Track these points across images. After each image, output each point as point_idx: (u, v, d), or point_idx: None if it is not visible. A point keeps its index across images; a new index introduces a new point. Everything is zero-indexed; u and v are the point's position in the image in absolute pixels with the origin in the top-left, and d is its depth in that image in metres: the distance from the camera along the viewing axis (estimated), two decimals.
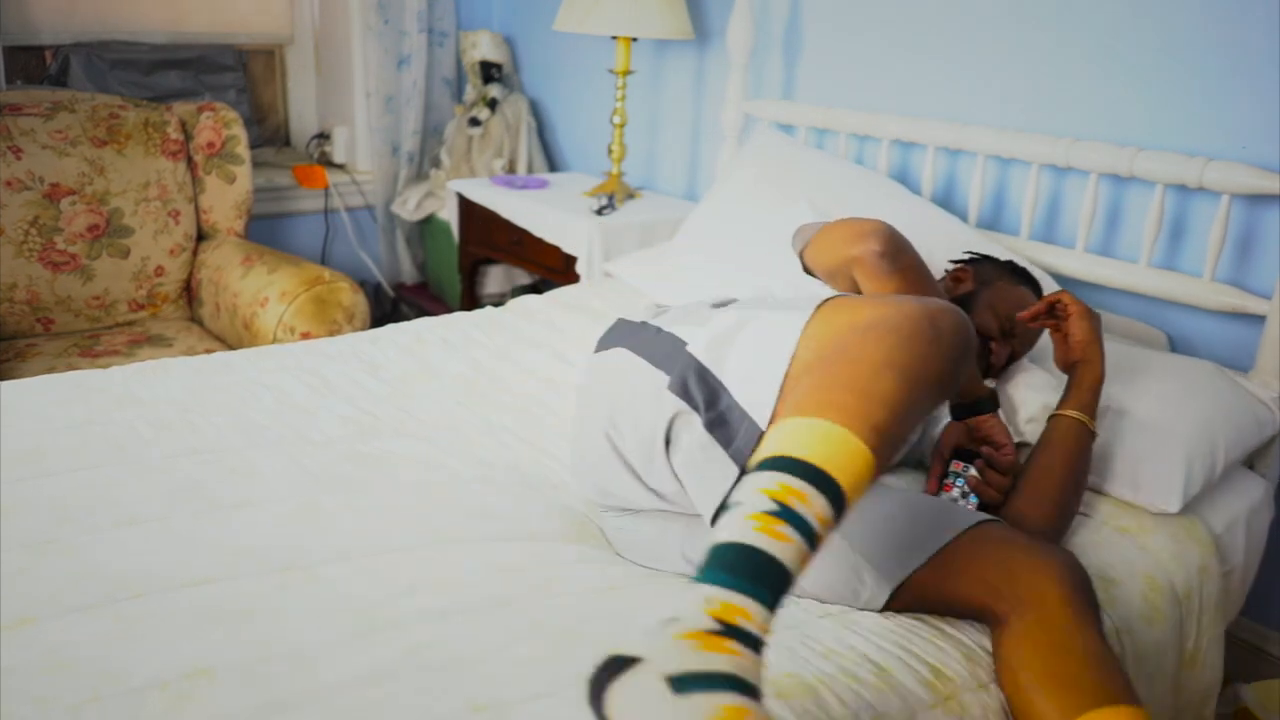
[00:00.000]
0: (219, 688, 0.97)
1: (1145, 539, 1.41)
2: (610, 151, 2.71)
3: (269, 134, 3.32)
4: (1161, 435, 1.48)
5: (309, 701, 0.95)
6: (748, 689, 0.71)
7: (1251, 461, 1.71)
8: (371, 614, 1.09)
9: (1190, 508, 1.50)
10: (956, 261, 1.65)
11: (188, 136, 2.58)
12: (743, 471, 0.90)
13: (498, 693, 0.97)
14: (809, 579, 1.13)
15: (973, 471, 1.35)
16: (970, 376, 1.40)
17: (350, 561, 1.20)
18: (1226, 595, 1.54)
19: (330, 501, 1.35)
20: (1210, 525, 1.50)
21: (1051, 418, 1.40)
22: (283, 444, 1.51)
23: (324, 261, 3.18)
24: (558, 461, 1.53)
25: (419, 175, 3.31)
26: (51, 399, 1.58)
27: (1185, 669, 1.41)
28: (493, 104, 3.14)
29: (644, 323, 1.32)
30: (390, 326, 2.06)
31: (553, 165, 3.31)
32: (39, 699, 0.94)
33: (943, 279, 1.58)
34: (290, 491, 1.37)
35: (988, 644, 1.12)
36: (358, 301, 2.39)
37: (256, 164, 2.98)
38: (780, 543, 0.77)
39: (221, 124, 2.61)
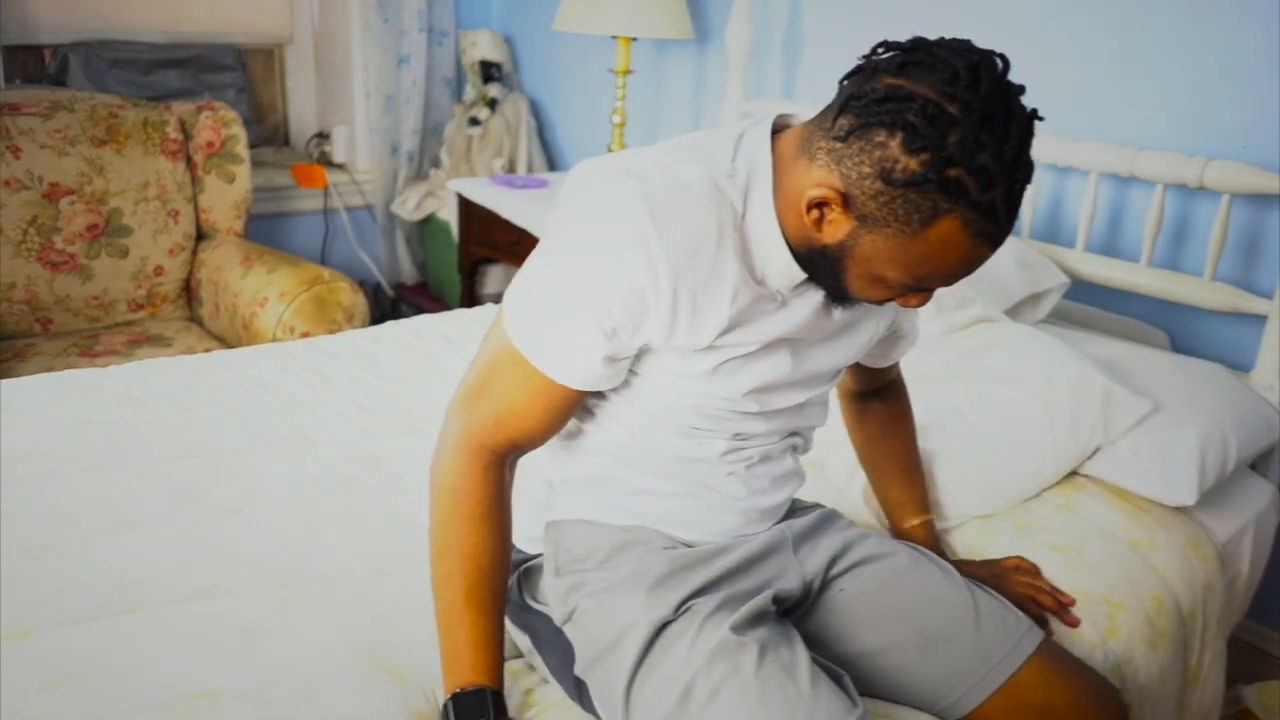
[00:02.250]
0: (224, 712, 0.96)
1: (1154, 556, 1.39)
2: (610, 151, 2.71)
3: (268, 133, 3.31)
4: (1175, 431, 1.47)
5: None
6: None
7: (1257, 464, 1.71)
8: (377, 650, 1.07)
9: (1197, 518, 1.50)
10: (830, 138, 0.83)
11: (187, 136, 2.57)
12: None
13: None
14: None
15: None
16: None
17: (353, 580, 1.19)
18: (1229, 606, 1.54)
19: (332, 507, 1.34)
20: (1216, 535, 1.50)
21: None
22: (283, 444, 1.50)
23: (323, 261, 3.18)
24: None
25: (419, 175, 3.31)
26: (50, 399, 1.58)
27: (1189, 688, 1.40)
28: (492, 103, 3.14)
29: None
30: (391, 324, 2.05)
31: (553, 165, 3.30)
32: (43, 716, 0.93)
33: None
34: (291, 495, 1.36)
35: None
36: (357, 301, 2.38)
37: (256, 164, 2.97)
38: None
39: (221, 123, 2.61)
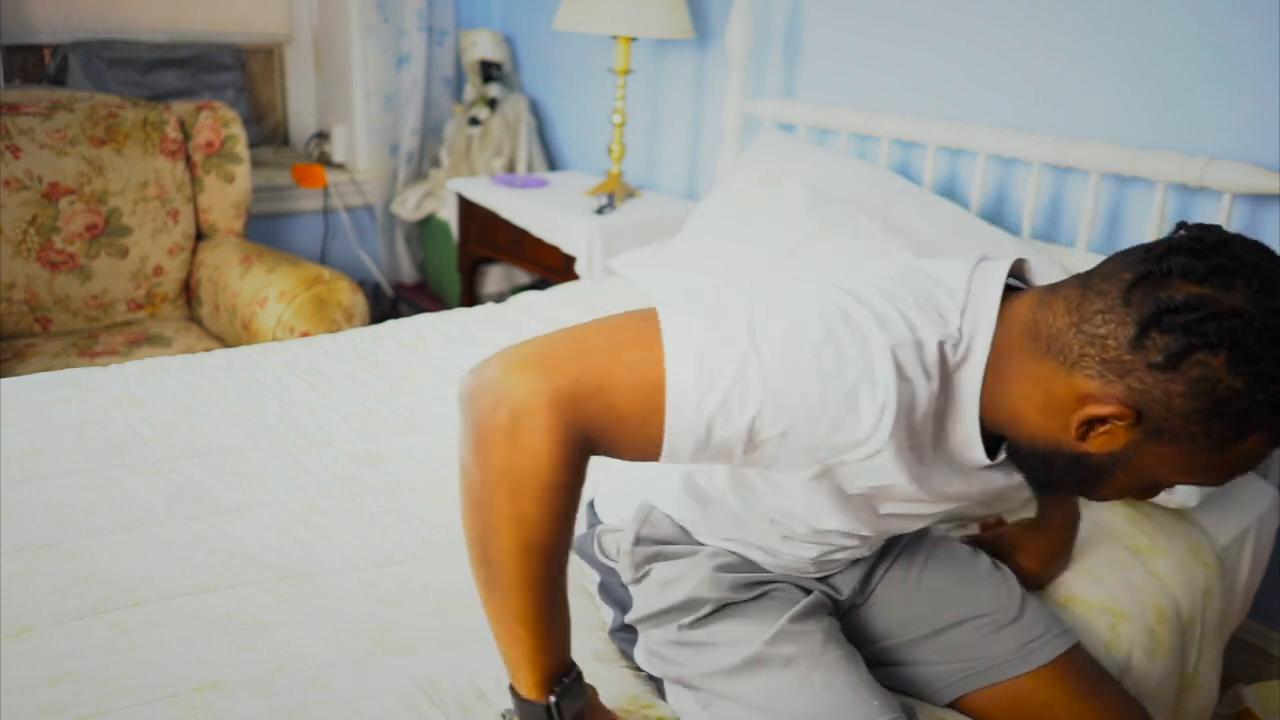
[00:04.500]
0: (228, 703, 0.96)
1: (1156, 562, 1.39)
2: (610, 151, 2.71)
3: (268, 133, 3.31)
4: None
5: None
6: None
7: (1257, 467, 1.72)
8: (381, 635, 1.08)
9: (1198, 522, 1.50)
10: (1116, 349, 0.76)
11: (186, 136, 2.57)
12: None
13: None
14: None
15: None
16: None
17: (355, 573, 1.19)
18: (1228, 611, 1.54)
19: (332, 504, 1.34)
20: (1216, 540, 1.50)
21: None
22: (284, 444, 1.50)
23: (323, 261, 3.18)
24: None
25: (418, 174, 3.31)
26: (50, 398, 1.58)
27: (1184, 693, 1.40)
28: (492, 103, 3.14)
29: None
30: (391, 323, 2.05)
31: (552, 165, 3.30)
32: (46, 710, 0.93)
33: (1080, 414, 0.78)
34: (291, 494, 1.36)
35: None
36: (357, 301, 2.38)
37: (255, 163, 2.97)
38: None
39: (220, 123, 2.60)
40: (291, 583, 1.16)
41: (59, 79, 2.76)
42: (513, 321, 2.07)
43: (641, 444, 0.79)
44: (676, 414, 0.76)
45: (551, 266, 2.69)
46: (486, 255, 2.95)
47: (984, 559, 1.15)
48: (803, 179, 2.04)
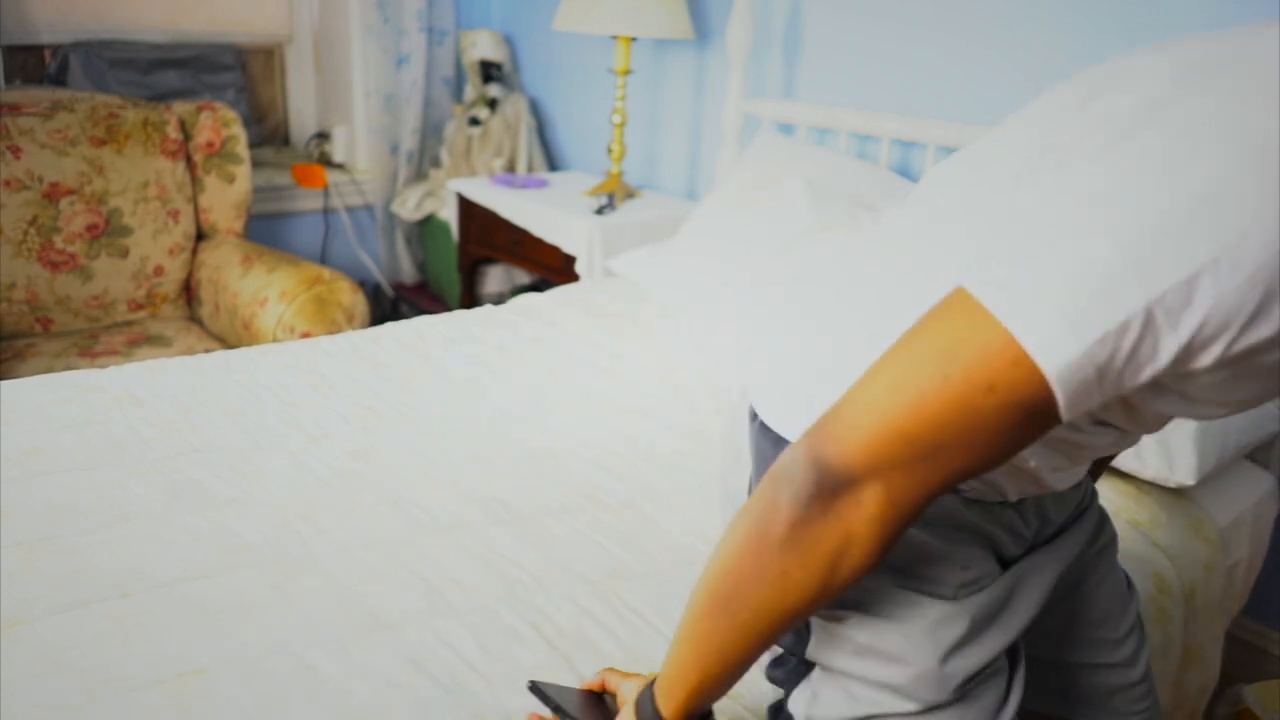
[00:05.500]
0: (215, 686, 0.97)
1: (1157, 534, 1.40)
2: (610, 151, 2.71)
3: (268, 133, 3.31)
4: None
5: (308, 701, 0.96)
6: None
7: (1256, 456, 1.72)
8: (368, 613, 1.09)
9: (1198, 501, 1.51)
10: None
11: (187, 136, 2.58)
12: None
13: (501, 704, 0.97)
14: None
15: None
16: None
17: (346, 554, 1.21)
18: (1229, 591, 1.55)
19: (331, 500, 1.35)
20: (1216, 519, 1.51)
21: None
22: (284, 443, 1.51)
23: (323, 261, 3.18)
24: (557, 456, 1.52)
25: (418, 175, 3.31)
26: (50, 399, 1.58)
27: (1186, 668, 1.42)
28: (492, 103, 3.14)
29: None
30: (391, 324, 2.06)
31: (553, 165, 3.30)
32: (36, 703, 0.94)
33: None
34: (290, 491, 1.37)
35: None
36: (357, 301, 2.38)
37: (255, 163, 2.97)
38: None
39: (221, 123, 2.61)
40: (283, 569, 1.17)
41: (59, 79, 2.76)
42: (512, 321, 2.07)
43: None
44: (1071, 408, 0.62)
45: (551, 266, 2.69)
46: (486, 255, 2.96)
47: (1135, 602, 1.05)
48: (803, 178, 2.04)
